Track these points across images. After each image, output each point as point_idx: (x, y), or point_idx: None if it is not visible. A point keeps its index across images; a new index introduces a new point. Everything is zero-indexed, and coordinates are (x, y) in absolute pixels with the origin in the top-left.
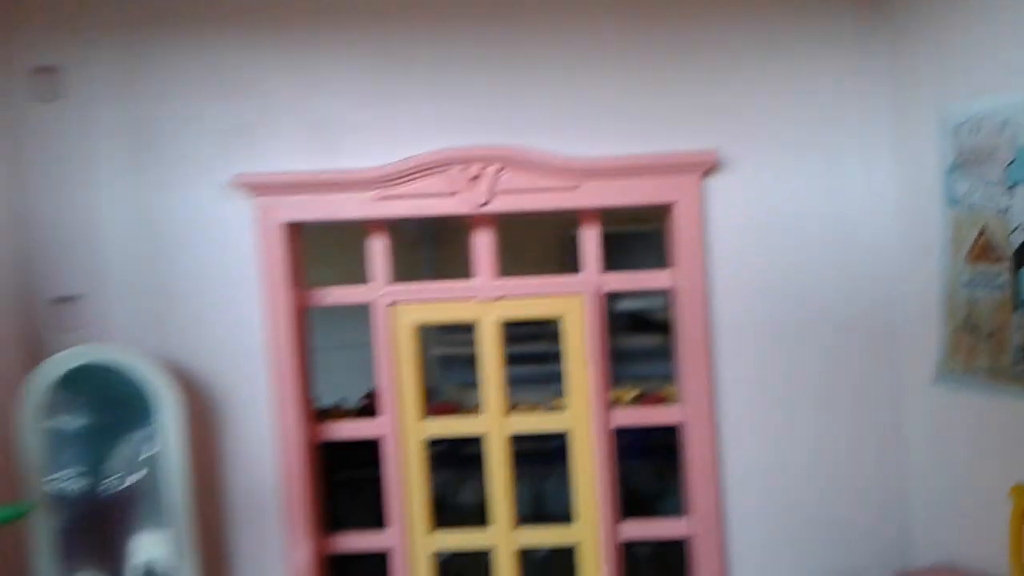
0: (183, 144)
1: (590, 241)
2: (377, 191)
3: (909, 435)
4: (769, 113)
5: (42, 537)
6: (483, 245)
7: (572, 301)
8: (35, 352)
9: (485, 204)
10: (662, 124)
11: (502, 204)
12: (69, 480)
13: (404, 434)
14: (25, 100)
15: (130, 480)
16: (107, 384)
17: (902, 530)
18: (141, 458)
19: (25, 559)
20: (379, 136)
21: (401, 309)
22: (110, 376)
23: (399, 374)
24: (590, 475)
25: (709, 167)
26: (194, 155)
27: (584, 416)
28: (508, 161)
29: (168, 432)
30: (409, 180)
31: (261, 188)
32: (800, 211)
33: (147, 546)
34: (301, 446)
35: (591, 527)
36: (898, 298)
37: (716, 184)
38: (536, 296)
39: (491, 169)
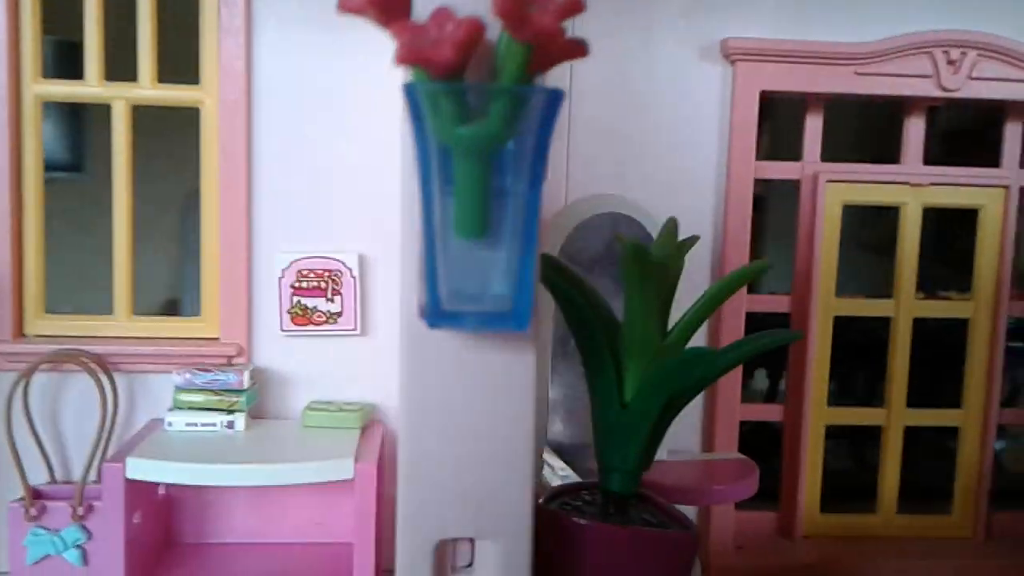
0: (664, 10)
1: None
2: (854, 67)
3: None
4: None
5: None
6: (917, 131)
7: (994, 193)
8: None
9: (956, 90)
10: None
11: (972, 91)
12: None
13: (818, 310)
14: None
15: None
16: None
17: None
18: None
19: None
20: (851, 11)
21: (830, 187)
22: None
23: (821, 250)
24: (983, 361)
25: None
26: (672, 22)
27: (988, 305)
28: (987, 48)
29: None
30: (887, 59)
31: (743, 53)
32: None
33: None
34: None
35: (977, 411)
36: None
37: None
38: (960, 185)
39: (971, 55)
